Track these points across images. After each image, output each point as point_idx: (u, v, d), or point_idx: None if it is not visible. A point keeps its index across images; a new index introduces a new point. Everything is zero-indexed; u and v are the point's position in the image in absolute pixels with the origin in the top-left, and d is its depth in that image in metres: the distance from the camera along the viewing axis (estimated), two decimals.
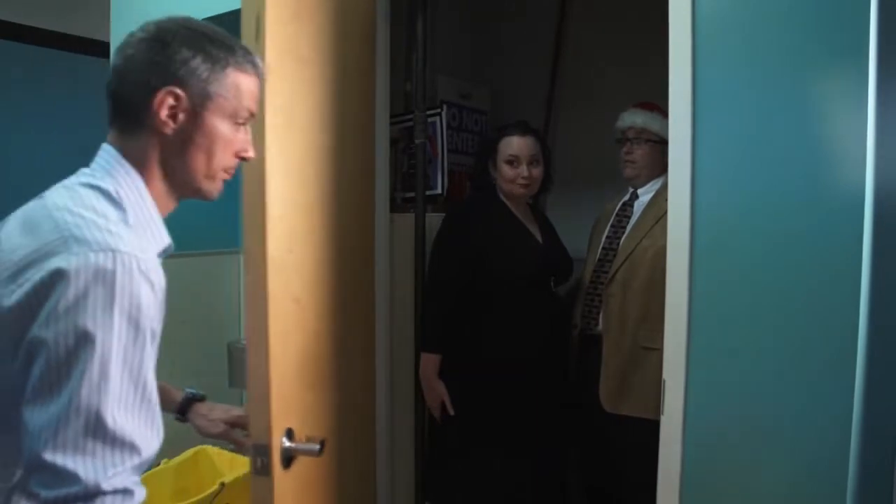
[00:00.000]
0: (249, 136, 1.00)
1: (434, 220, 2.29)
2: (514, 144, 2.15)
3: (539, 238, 2.20)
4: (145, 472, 0.82)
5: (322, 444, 1.25)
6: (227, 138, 0.96)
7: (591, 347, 2.11)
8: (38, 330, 0.76)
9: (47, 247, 0.79)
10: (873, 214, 1.05)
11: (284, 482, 1.25)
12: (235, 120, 0.96)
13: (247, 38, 1.24)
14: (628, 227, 2.10)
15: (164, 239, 0.95)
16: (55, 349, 0.75)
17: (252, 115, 0.99)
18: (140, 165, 0.93)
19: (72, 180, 0.93)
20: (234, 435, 1.27)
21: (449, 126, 2.49)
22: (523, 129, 2.18)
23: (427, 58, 2.30)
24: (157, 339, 0.85)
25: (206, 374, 2.09)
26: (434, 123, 2.41)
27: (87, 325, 0.75)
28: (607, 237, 2.15)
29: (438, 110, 2.42)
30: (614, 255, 2.08)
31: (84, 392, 0.75)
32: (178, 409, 1.28)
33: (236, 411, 1.28)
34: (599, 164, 2.45)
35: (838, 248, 1.24)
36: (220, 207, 3.53)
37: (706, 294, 1.41)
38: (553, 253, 2.23)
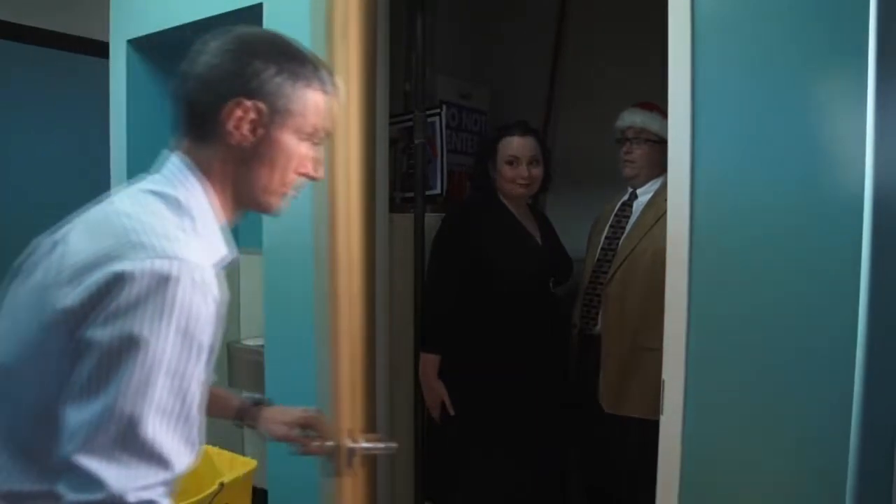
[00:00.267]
0: (322, 156, 0.98)
1: (433, 220, 2.29)
2: (514, 145, 2.15)
3: (538, 239, 2.20)
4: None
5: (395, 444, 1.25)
6: (296, 156, 0.94)
7: (591, 347, 2.11)
8: (91, 331, 0.76)
9: (109, 251, 0.79)
10: (872, 214, 1.05)
11: (357, 482, 1.24)
12: (309, 138, 0.95)
13: None
14: (627, 228, 2.10)
15: (223, 250, 0.93)
16: (105, 350, 0.75)
17: (327, 134, 0.98)
18: (207, 175, 0.92)
19: (138, 186, 0.93)
20: (297, 436, 1.25)
21: (448, 126, 2.49)
22: (523, 129, 2.18)
23: (426, 58, 2.30)
24: (211, 354, 0.84)
25: None
26: (433, 123, 2.41)
27: (139, 330, 0.75)
28: (606, 237, 2.15)
29: (438, 110, 2.42)
30: (613, 256, 2.08)
31: (126, 396, 0.74)
32: (237, 415, 1.25)
33: (296, 413, 1.27)
34: (599, 164, 2.45)
35: (838, 247, 1.24)
36: None
37: (705, 294, 1.41)
38: (552, 253, 2.23)
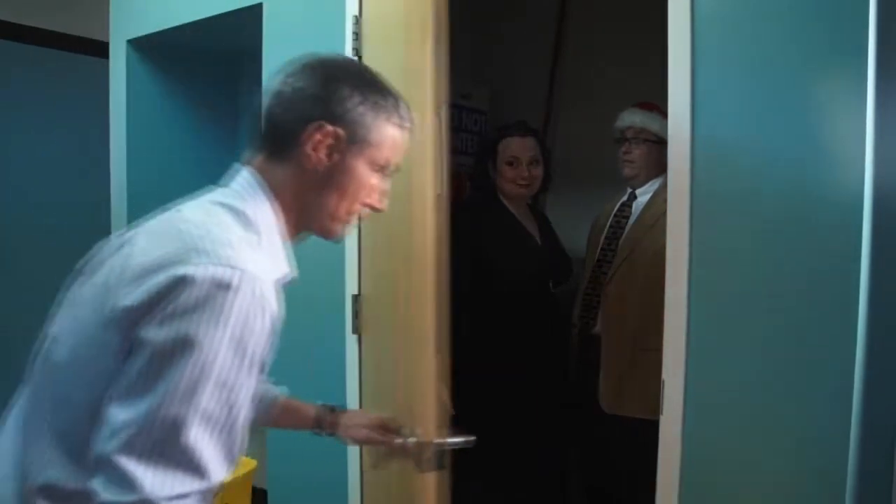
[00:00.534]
0: (388, 189, 0.99)
1: None
2: (514, 145, 2.15)
3: (538, 239, 2.20)
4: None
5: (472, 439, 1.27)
6: (366, 185, 0.96)
7: (591, 347, 2.11)
8: (146, 330, 0.77)
9: (174, 255, 0.80)
10: (872, 213, 1.05)
11: (442, 476, 1.26)
12: (380, 170, 0.96)
13: None
14: (627, 228, 2.10)
15: (285, 268, 0.93)
16: (157, 350, 0.76)
17: (396, 168, 0.99)
18: (276, 193, 0.93)
19: (208, 197, 0.94)
20: (379, 437, 1.24)
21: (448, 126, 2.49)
22: (523, 129, 2.18)
23: None
24: (261, 368, 0.84)
25: None
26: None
27: (193, 333, 0.75)
28: (606, 238, 2.15)
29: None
30: (613, 256, 2.08)
31: (172, 398, 0.74)
32: (315, 424, 1.25)
33: (373, 415, 1.27)
34: (599, 164, 2.45)
35: (838, 247, 1.24)
36: None
37: (705, 294, 1.41)
38: (552, 253, 2.23)
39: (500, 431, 2.08)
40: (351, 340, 1.86)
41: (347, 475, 1.89)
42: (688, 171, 1.41)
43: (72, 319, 0.88)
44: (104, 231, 2.82)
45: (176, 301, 0.76)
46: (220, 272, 0.78)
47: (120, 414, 0.75)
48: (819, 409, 1.29)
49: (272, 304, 0.82)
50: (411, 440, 1.21)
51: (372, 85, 0.94)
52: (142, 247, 0.85)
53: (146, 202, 3.11)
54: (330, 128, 0.90)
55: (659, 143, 2.01)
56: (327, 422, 1.24)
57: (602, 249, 2.14)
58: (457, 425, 2.10)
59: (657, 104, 2.01)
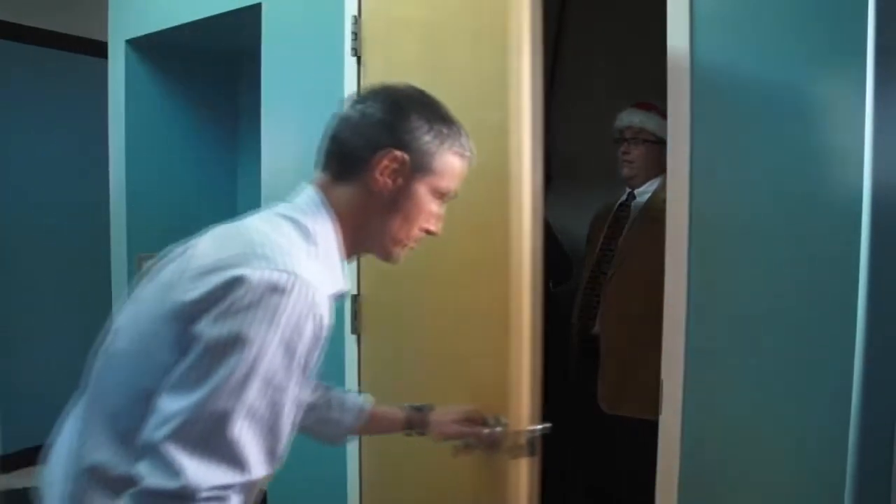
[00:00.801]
0: (442, 215, 1.04)
1: None
2: None
3: None
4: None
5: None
6: (427, 211, 1.00)
7: (591, 347, 2.11)
8: (202, 326, 0.81)
9: (233, 258, 0.84)
10: (871, 213, 1.05)
11: (533, 462, 1.30)
12: (440, 197, 1.01)
13: None
14: (626, 228, 2.10)
15: (341, 283, 0.97)
16: (210, 346, 0.79)
17: (453, 196, 1.03)
18: (338, 212, 0.97)
19: (273, 210, 0.97)
20: (468, 430, 1.27)
21: None
22: None
23: None
24: (308, 372, 0.87)
25: None
26: None
27: (245, 332, 0.79)
28: (605, 238, 2.15)
29: None
30: (612, 256, 2.08)
31: (221, 392, 0.78)
32: (406, 426, 1.29)
33: (461, 410, 1.29)
34: (599, 164, 2.45)
35: (836, 247, 1.24)
36: (219, 208, 3.50)
37: (704, 294, 1.41)
38: (551, 254, 2.22)
39: None
40: (350, 341, 1.86)
41: (347, 475, 1.89)
42: (687, 171, 1.41)
43: (134, 314, 0.93)
44: (103, 231, 2.82)
45: (231, 300, 0.80)
46: (276, 276, 0.81)
47: (170, 404, 0.79)
48: (818, 410, 1.29)
49: (323, 311, 0.85)
50: (498, 429, 1.25)
51: (436, 113, 0.99)
52: (204, 249, 0.90)
53: (145, 202, 3.12)
54: (398, 154, 0.95)
55: (658, 144, 2.01)
56: (418, 422, 1.28)
57: (601, 249, 2.14)
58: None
59: (656, 104, 2.01)
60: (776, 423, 1.34)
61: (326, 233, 0.95)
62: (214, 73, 3.00)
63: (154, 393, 0.82)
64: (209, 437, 0.78)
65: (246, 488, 0.83)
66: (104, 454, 0.86)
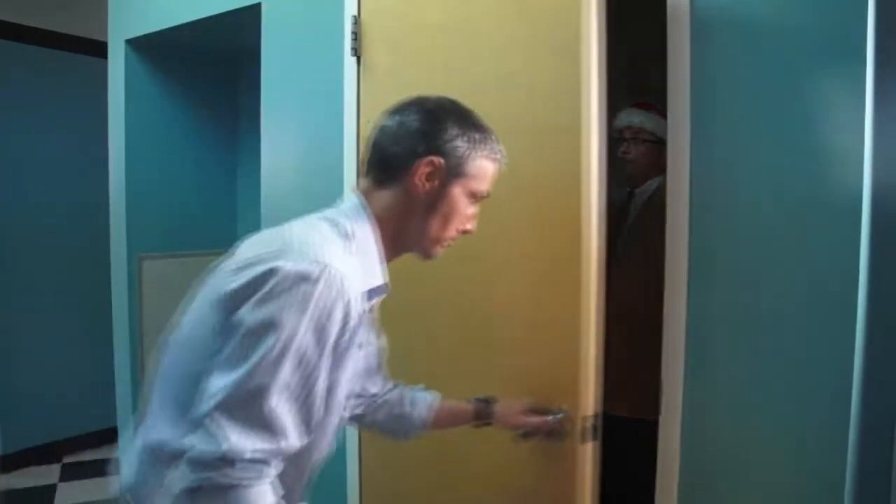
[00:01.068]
0: (476, 215, 1.12)
1: None
2: None
3: None
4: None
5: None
6: (462, 211, 1.09)
7: None
8: (242, 312, 0.92)
9: (271, 253, 0.95)
10: (871, 213, 1.05)
11: (596, 446, 1.42)
12: (472, 197, 1.09)
13: None
14: (625, 227, 2.09)
15: (379, 279, 1.06)
16: (248, 330, 0.91)
17: (486, 196, 1.11)
18: (379, 215, 1.06)
19: (315, 215, 1.07)
20: (535, 420, 1.35)
21: None
22: None
23: None
24: (345, 354, 0.98)
25: None
26: None
27: (278, 317, 0.90)
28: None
29: None
30: (611, 256, 2.08)
31: (258, 370, 0.89)
32: (475, 418, 1.35)
33: (524, 401, 1.37)
34: None
35: (836, 246, 1.24)
36: (219, 208, 3.50)
37: (704, 294, 1.41)
38: None
39: None
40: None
41: (347, 475, 1.89)
42: (687, 171, 1.41)
43: (192, 307, 1.03)
44: (103, 231, 2.82)
45: (266, 289, 0.91)
46: (306, 266, 0.92)
47: (216, 382, 0.91)
48: (818, 410, 1.29)
49: (352, 297, 0.95)
50: (559, 416, 1.34)
51: (469, 122, 1.08)
52: (248, 246, 1.02)
53: (145, 202, 3.11)
54: (435, 160, 1.04)
55: (657, 143, 2.01)
56: (486, 413, 1.35)
57: None
58: None
59: (655, 104, 2.01)
60: (776, 423, 1.34)
61: (365, 233, 1.04)
62: (214, 73, 3.00)
63: (203, 375, 0.93)
64: (249, 408, 0.89)
65: (282, 454, 0.93)
66: (164, 433, 0.97)
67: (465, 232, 1.12)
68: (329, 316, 0.92)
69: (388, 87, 1.78)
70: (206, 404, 0.90)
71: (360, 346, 1.07)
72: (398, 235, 1.08)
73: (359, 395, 1.25)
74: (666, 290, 1.44)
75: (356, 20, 1.81)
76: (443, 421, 1.34)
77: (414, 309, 1.58)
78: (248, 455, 0.89)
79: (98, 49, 2.93)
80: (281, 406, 0.91)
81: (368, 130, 1.14)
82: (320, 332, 0.92)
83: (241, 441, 0.88)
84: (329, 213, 1.06)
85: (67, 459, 3.51)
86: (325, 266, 0.92)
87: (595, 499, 1.41)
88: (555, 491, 1.40)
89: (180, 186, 2.88)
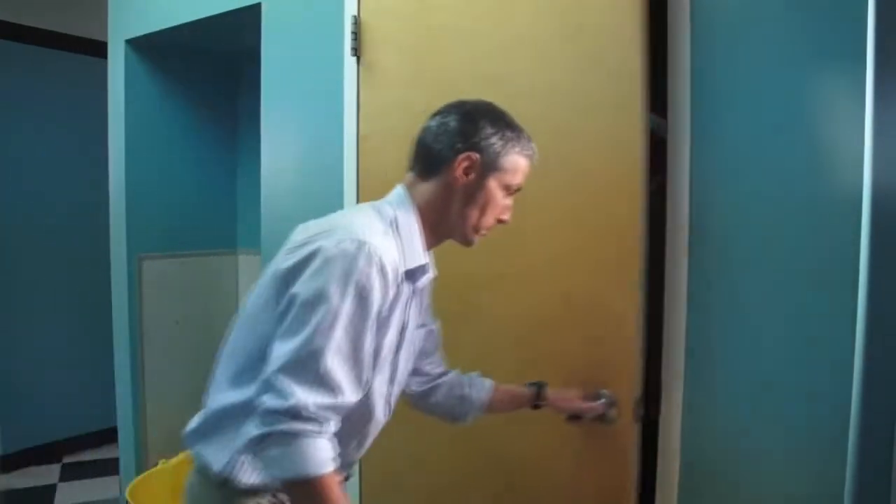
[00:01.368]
0: (511, 205, 1.23)
1: None
2: None
3: None
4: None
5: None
6: (497, 202, 1.20)
7: None
8: (297, 287, 1.06)
9: (319, 235, 1.09)
10: (871, 213, 1.05)
11: (638, 428, 1.47)
12: (507, 190, 1.20)
13: None
14: None
15: (421, 259, 1.17)
16: (302, 302, 1.04)
17: (518, 189, 1.22)
18: (421, 204, 1.19)
19: (365, 203, 1.23)
20: (586, 404, 1.43)
21: None
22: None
23: None
24: (384, 322, 1.11)
25: (204, 373, 2.09)
26: None
27: (327, 288, 1.03)
28: None
29: None
30: None
31: (315, 335, 1.03)
32: (532, 400, 1.44)
33: (573, 387, 1.45)
34: None
35: (837, 246, 1.24)
36: (219, 208, 3.49)
37: (704, 294, 1.41)
38: None
39: None
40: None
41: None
42: (687, 171, 1.41)
43: (256, 288, 1.17)
44: (103, 231, 2.82)
45: (314, 264, 1.05)
46: (347, 244, 1.05)
47: (279, 348, 1.05)
48: (818, 410, 1.29)
49: (390, 271, 1.07)
50: (605, 401, 1.42)
51: (503, 121, 1.19)
52: (302, 231, 1.16)
53: (145, 202, 3.11)
54: (472, 155, 1.15)
55: (657, 143, 2.00)
56: (540, 397, 1.44)
57: None
58: None
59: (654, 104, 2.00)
60: (776, 423, 1.34)
61: (408, 219, 1.16)
62: (214, 73, 2.99)
63: (269, 342, 1.07)
64: (309, 369, 1.02)
65: (341, 408, 1.06)
66: (231, 397, 1.13)
67: (500, 221, 1.22)
68: (371, 286, 1.05)
69: (388, 87, 1.79)
70: (273, 366, 1.03)
71: (417, 326, 1.24)
72: (440, 223, 1.19)
73: (418, 373, 1.37)
74: (666, 289, 1.44)
75: (356, 20, 1.81)
76: (500, 404, 1.43)
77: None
78: (312, 408, 1.01)
79: (98, 49, 2.93)
80: (335, 365, 1.04)
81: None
82: (363, 300, 1.05)
83: (305, 396, 1.01)
84: (377, 202, 1.19)
85: (67, 459, 3.52)
86: (364, 243, 1.05)
87: (638, 480, 1.46)
88: (604, 472, 1.48)
89: (180, 186, 2.88)
